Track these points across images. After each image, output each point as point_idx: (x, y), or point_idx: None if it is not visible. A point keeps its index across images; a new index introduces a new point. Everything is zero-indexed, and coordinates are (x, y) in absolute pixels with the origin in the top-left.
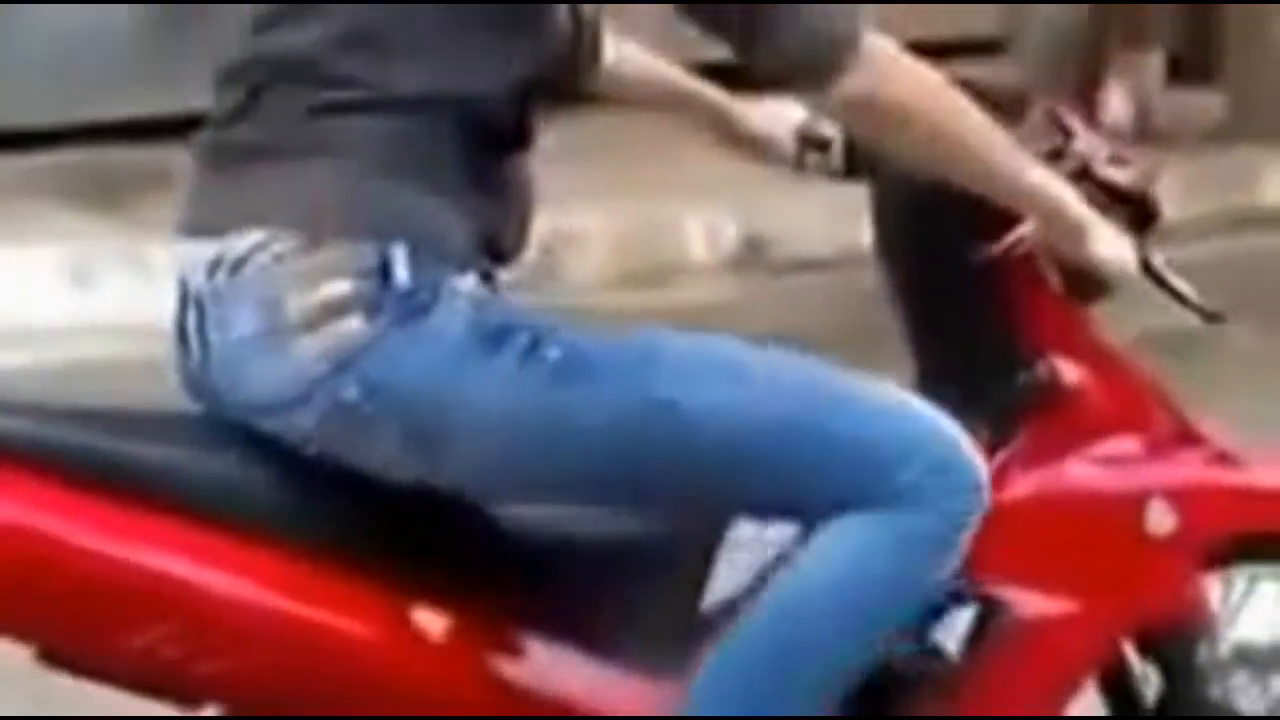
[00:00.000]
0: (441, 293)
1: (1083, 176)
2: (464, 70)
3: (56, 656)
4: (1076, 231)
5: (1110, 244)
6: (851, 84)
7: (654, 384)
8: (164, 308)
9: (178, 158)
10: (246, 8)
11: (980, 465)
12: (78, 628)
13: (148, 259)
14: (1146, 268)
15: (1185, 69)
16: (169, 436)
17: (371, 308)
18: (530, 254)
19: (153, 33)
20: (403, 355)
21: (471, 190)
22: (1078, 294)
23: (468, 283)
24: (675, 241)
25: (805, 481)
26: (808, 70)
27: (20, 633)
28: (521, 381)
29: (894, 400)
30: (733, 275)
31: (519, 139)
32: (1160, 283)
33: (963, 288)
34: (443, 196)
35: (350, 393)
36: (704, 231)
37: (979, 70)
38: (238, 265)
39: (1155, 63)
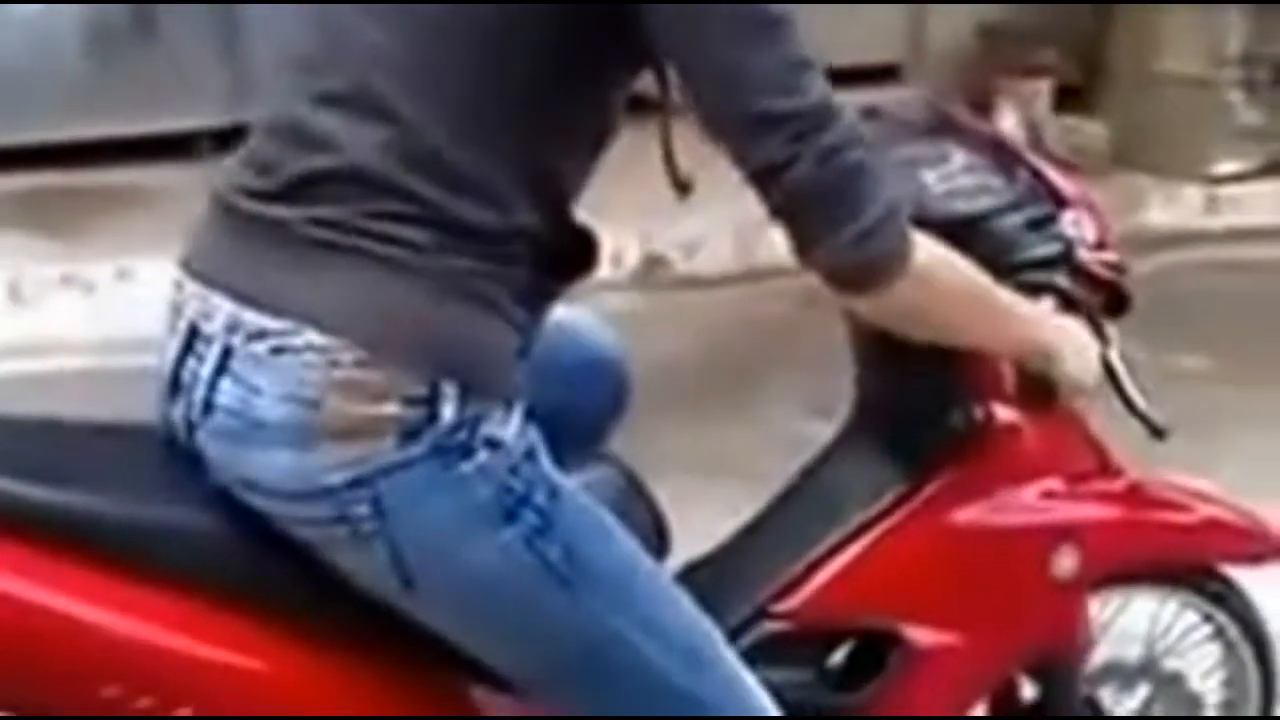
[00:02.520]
0: (480, 437)
1: (1064, 260)
2: (527, 203)
3: (23, 708)
4: (1051, 353)
5: (1082, 362)
6: (892, 296)
7: (612, 617)
8: (103, 325)
9: (115, 179)
10: (285, 49)
11: None
12: (47, 684)
13: (89, 279)
14: (1107, 369)
15: (1073, 100)
16: (142, 495)
17: (408, 435)
18: None
19: (95, 58)
20: (422, 490)
21: (530, 317)
22: (1032, 399)
23: (512, 426)
24: None
25: None
26: (862, 277)
27: None
28: (516, 563)
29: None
30: (634, 290)
31: (587, 261)
32: (1119, 390)
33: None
34: (501, 329)
35: (359, 509)
36: (609, 249)
37: (878, 95)
38: (281, 349)
39: (1044, 90)
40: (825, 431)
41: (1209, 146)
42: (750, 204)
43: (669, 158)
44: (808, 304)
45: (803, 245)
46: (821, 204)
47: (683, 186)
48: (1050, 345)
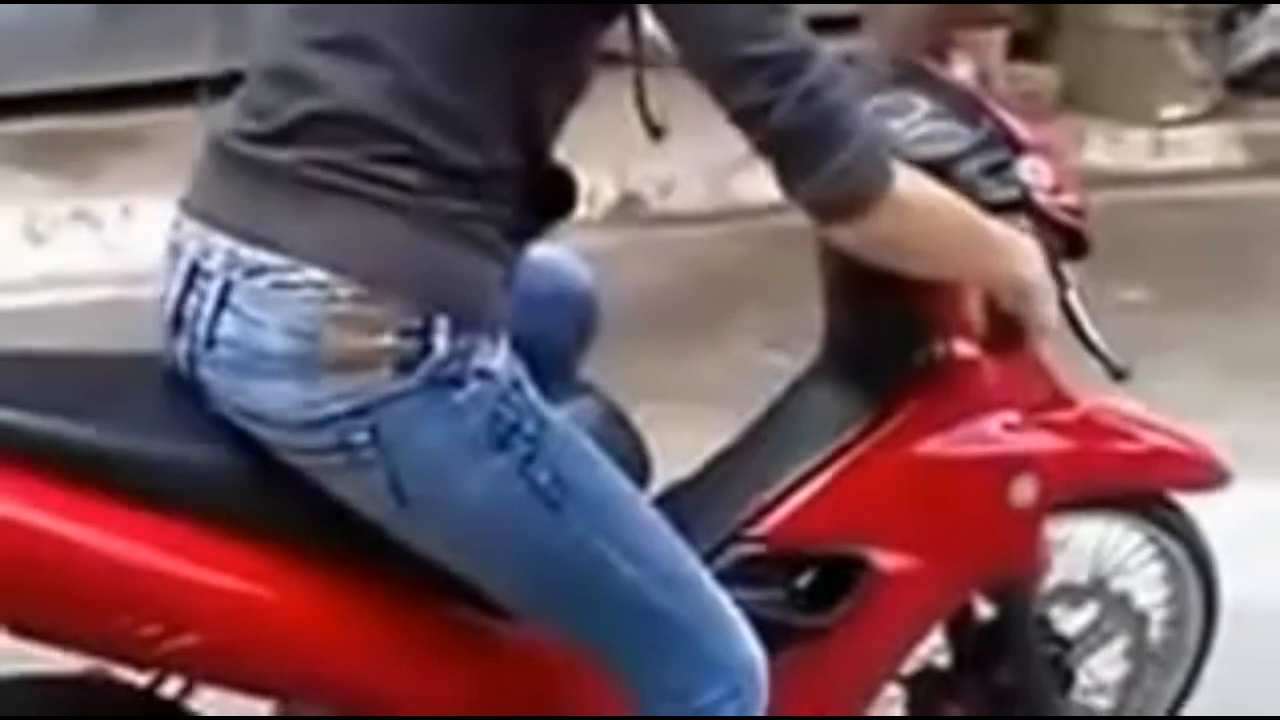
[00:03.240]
0: (471, 368)
1: (1023, 203)
2: (511, 145)
3: (30, 630)
4: (1035, 297)
5: (1045, 303)
6: (874, 224)
7: (596, 539)
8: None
9: (121, 123)
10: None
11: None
12: (56, 611)
13: (98, 215)
14: (1065, 309)
15: (1025, 47)
16: (147, 427)
17: (404, 366)
18: None
19: (100, 10)
20: (418, 419)
21: (514, 252)
22: (1000, 338)
23: (499, 357)
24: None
25: (649, 654)
26: (845, 207)
27: (9, 616)
28: (506, 487)
29: (729, 616)
30: (609, 228)
31: (567, 200)
32: (1076, 327)
33: (875, 270)
34: (489, 265)
35: (359, 436)
36: (586, 189)
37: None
38: (280, 284)
39: (998, 40)
40: (787, 363)
41: (1156, 92)
42: (720, 147)
43: (642, 103)
44: (774, 243)
45: (787, 180)
46: (803, 141)
47: (655, 130)
48: (1034, 285)
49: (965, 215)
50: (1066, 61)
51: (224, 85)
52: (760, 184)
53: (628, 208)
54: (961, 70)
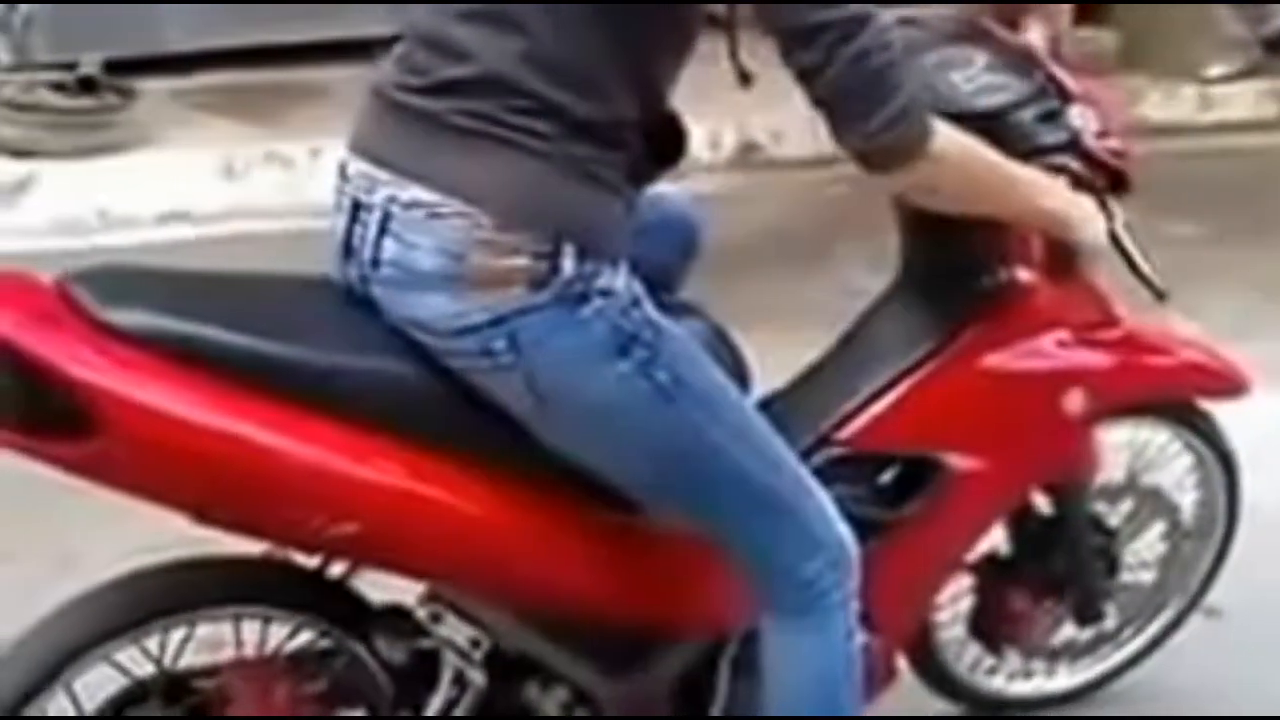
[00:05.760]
0: (595, 287)
1: (1072, 146)
2: (629, 98)
3: (214, 519)
4: (1069, 224)
5: (1093, 231)
6: (917, 172)
7: (709, 429)
8: (300, 194)
9: (308, 76)
10: None
11: (853, 555)
12: (241, 504)
13: (288, 156)
14: (1114, 240)
15: (1088, 13)
16: (327, 342)
17: (536, 284)
18: None
19: None
20: (549, 329)
21: (634, 191)
22: (1057, 265)
23: (620, 278)
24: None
25: (759, 530)
26: (887, 158)
27: (191, 506)
28: (629, 388)
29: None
30: (731, 172)
31: (675, 148)
32: (1124, 255)
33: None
34: (611, 202)
35: (498, 343)
36: (707, 136)
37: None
38: (434, 214)
39: (1065, 8)
40: (883, 285)
41: (1202, 53)
42: None
43: (734, 55)
44: (871, 183)
45: (837, 132)
46: (851, 98)
47: (745, 77)
48: (1061, 213)
49: (993, 163)
50: (1125, 25)
51: (394, 44)
52: None
53: (747, 154)
54: (1034, 34)
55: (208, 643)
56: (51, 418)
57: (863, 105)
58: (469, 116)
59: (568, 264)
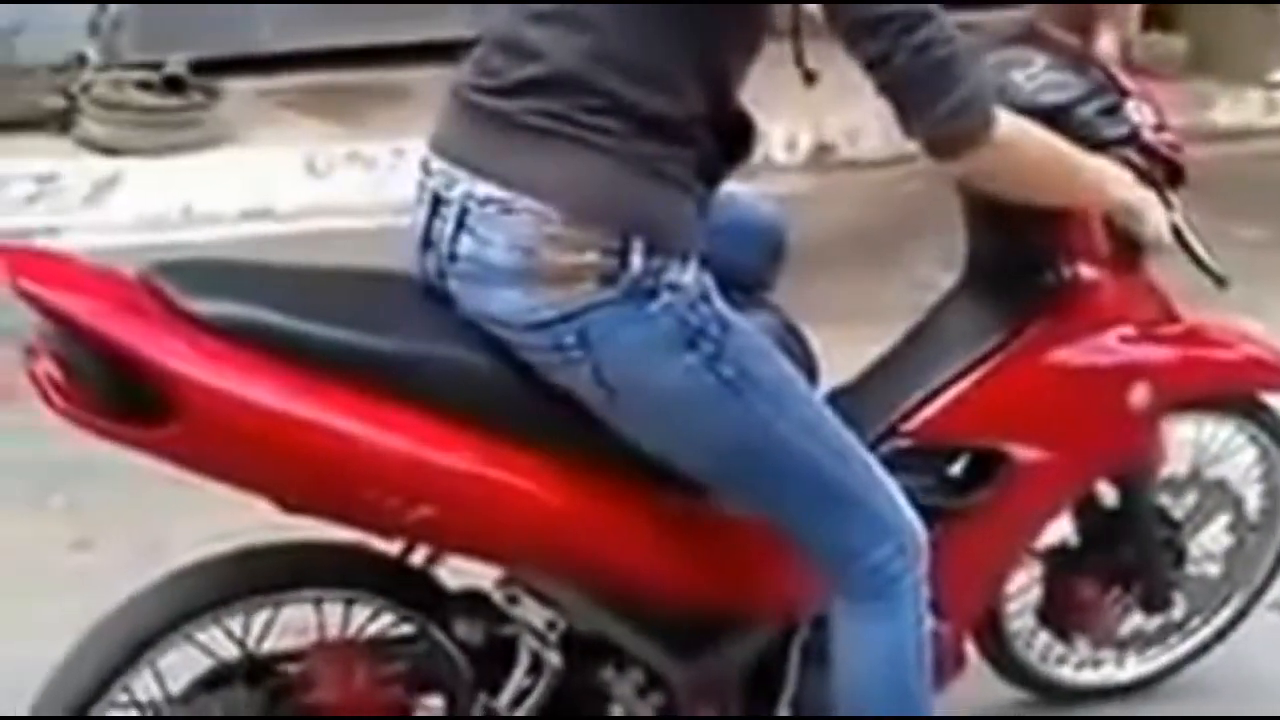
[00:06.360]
0: (663, 282)
1: (1132, 139)
2: (699, 95)
3: (294, 505)
4: (1134, 213)
5: (1156, 221)
6: (979, 159)
7: (777, 421)
8: (381, 193)
9: (391, 77)
10: None
11: (922, 541)
12: (318, 488)
13: (370, 156)
14: (1176, 232)
15: (1157, 19)
16: (404, 332)
17: (606, 279)
18: None
19: None
20: (617, 324)
21: (705, 188)
22: (1121, 256)
23: (689, 274)
24: (762, 145)
25: (826, 518)
26: (953, 144)
27: (270, 490)
28: (695, 381)
29: (893, 487)
30: (806, 173)
31: (744, 145)
32: (1185, 247)
33: (1008, 203)
34: (680, 198)
35: (569, 338)
36: (784, 138)
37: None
38: (507, 210)
39: (1134, 13)
40: (953, 282)
41: (1269, 57)
42: None
43: (799, 58)
44: (942, 180)
45: (904, 120)
46: (916, 88)
47: (809, 77)
48: (1128, 201)
49: (1058, 150)
50: (1193, 30)
51: (473, 47)
52: None
53: (822, 155)
54: (1106, 40)
55: (291, 629)
56: (132, 402)
57: (928, 93)
58: (540, 115)
59: (636, 260)
